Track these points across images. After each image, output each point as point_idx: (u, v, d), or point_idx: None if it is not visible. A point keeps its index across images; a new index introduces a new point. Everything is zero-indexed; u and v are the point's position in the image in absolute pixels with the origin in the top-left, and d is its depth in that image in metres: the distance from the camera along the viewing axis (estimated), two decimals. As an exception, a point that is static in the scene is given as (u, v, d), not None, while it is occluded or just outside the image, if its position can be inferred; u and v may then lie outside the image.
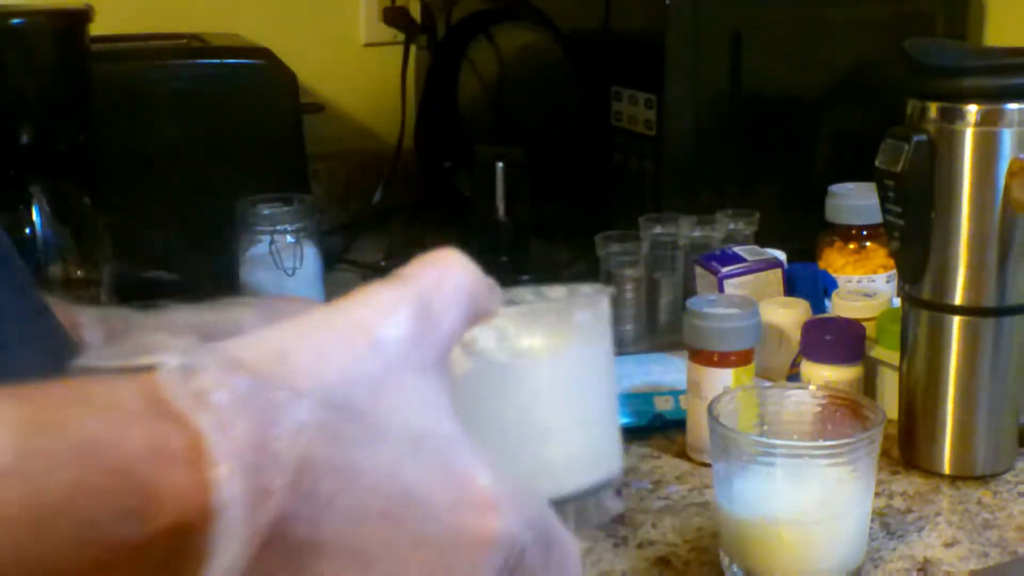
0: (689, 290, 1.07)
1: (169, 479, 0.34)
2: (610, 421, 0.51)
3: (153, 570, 0.35)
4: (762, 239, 1.10)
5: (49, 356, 0.48)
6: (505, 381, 0.46)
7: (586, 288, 0.53)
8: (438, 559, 0.39)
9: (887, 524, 0.79)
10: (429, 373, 0.41)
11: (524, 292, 0.52)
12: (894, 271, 1.08)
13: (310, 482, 0.37)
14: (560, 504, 0.45)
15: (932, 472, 0.85)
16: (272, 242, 1.06)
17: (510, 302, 0.48)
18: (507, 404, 0.45)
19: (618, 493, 0.50)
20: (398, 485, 0.39)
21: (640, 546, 0.77)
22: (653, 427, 0.92)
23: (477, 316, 0.44)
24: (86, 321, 0.53)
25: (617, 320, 1.08)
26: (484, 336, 0.46)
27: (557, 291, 0.52)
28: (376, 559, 0.38)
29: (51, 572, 0.33)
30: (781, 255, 1.06)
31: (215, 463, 0.35)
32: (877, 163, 0.82)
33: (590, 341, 0.50)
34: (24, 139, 1.07)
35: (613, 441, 0.51)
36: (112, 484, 0.34)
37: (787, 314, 0.98)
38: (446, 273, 0.43)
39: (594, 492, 0.49)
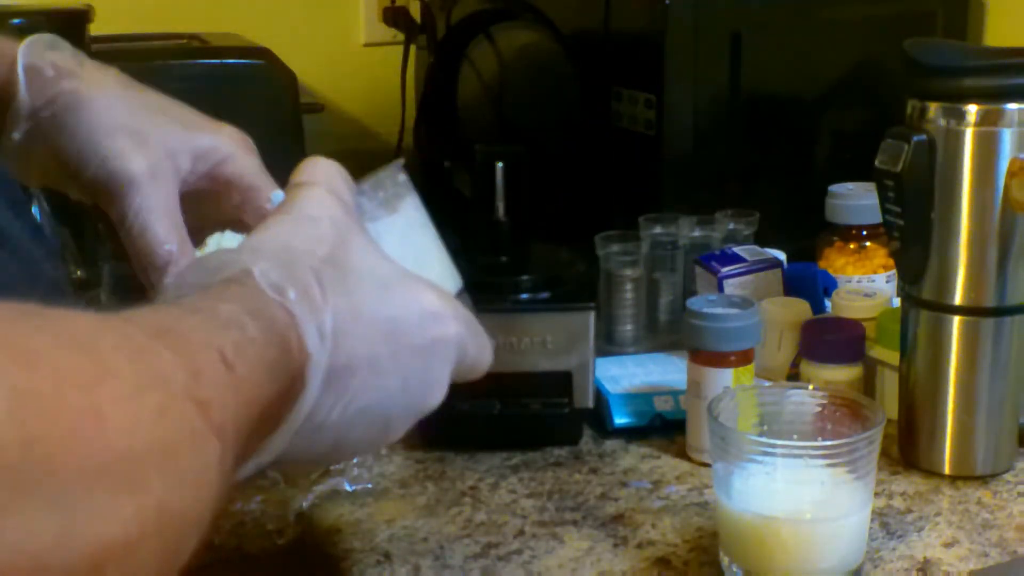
0: (689, 290, 1.07)
1: (290, 339, 0.48)
2: (443, 246, 0.67)
3: (279, 411, 0.48)
4: (762, 239, 1.10)
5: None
6: (380, 239, 0.59)
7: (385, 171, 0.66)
8: (422, 360, 0.55)
9: (887, 524, 0.79)
10: (361, 233, 0.56)
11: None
12: (894, 271, 1.08)
13: (340, 324, 0.51)
14: None
15: (932, 472, 0.85)
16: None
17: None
18: (391, 252, 0.58)
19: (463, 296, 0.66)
20: (385, 314, 0.54)
21: (640, 546, 0.77)
22: (653, 427, 0.92)
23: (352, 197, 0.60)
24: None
25: (617, 320, 1.08)
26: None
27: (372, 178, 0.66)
28: (384, 369, 0.53)
29: (254, 404, 0.45)
30: (781, 255, 1.06)
31: (305, 327, 0.49)
32: (877, 163, 0.82)
33: (414, 192, 0.65)
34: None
35: (450, 261, 0.67)
36: (273, 341, 0.48)
37: (787, 314, 0.98)
38: (328, 169, 0.58)
39: (459, 297, 0.64)
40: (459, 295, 0.65)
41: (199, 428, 0.40)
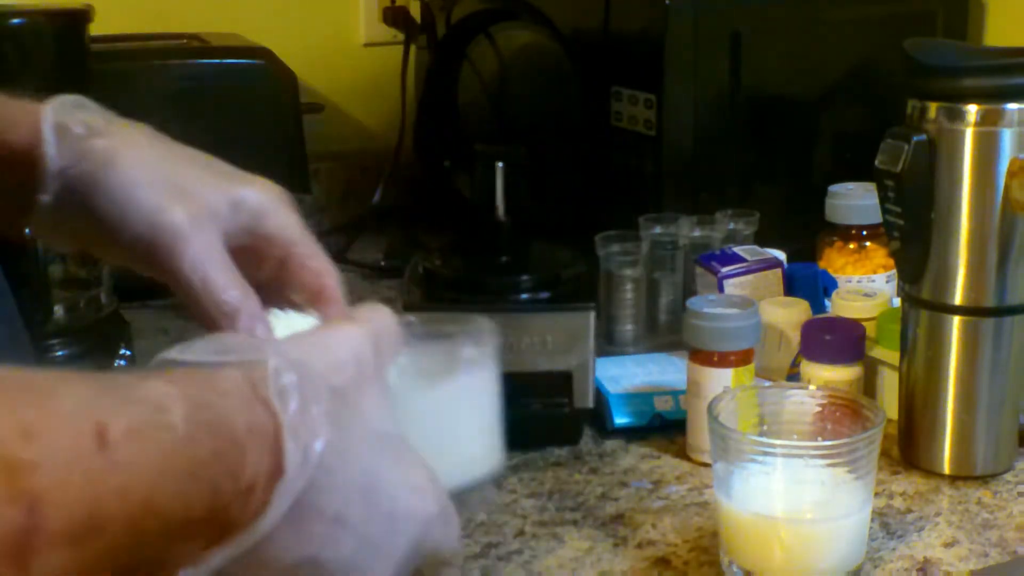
0: (689, 290, 1.07)
1: (256, 451, 0.45)
2: (490, 431, 0.66)
3: (219, 530, 0.45)
4: (762, 239, 1.10)
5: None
6: (404, 405, 0.58)
7: (478, 323, 0.67)
8: (387, 528, 0.52)
9: (887, 524, 0.79)
10: (381, 388, 0.55)
11: (425, 326, 0.67)
12: (894, 271, 1.08)
13: (328, 458, 0.48)
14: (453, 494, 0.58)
15: (932, 472, 0.85)
16: (272, 242, 1.06)
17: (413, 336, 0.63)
18: (408, 422, 0.56)
19: (496, 485, 0.67)
20: (373, 470, 0.51)
21: (640, 546, 0.77)
22: (653, 427, 0.92)
23: (395, 354, 0.59)
24: None
25: (617, 320, 1.08)
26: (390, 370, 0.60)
27: (452, 327, 0.67)
28: (351, 524, 0.50)
29: (164, 517, 0.42)
30: (781, 255, 1.06)
31: (286, 443, 0.46)
32: (877, 163, 0.82)
33: (472, 372, 0.66)
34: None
35: (493, 447, 0.66)
36: (225, 448, 0.45)
37: (787, 314, 0.98)
38: (385, 320, 0.57)
39: (477, 486, 0.65)
40: (484, 481, 0.65)
41: None
